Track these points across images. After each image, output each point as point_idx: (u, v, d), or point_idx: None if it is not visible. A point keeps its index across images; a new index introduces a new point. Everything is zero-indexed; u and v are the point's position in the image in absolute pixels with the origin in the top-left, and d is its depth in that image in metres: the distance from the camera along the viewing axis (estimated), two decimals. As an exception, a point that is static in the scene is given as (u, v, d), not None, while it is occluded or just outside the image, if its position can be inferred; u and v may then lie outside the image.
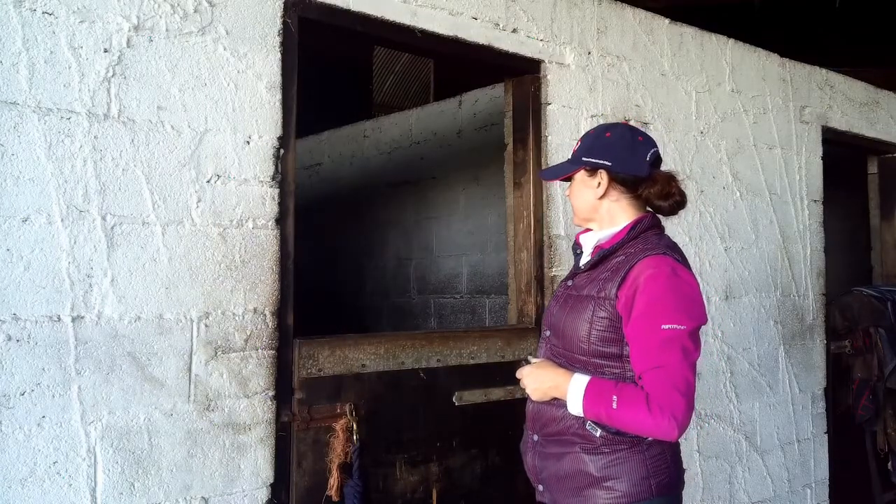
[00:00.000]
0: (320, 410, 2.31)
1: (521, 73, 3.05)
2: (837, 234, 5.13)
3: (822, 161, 4.31)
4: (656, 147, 2.13)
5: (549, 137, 3.01)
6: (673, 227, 3.41)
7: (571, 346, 2.03)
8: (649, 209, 2.13)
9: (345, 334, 2.45)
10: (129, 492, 1.97)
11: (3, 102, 1.84)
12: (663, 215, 2.14)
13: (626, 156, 2.09)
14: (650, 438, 1.95)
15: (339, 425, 2.32)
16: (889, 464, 4.34)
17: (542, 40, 3.02)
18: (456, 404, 2.60)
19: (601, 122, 3.20)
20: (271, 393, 2.22)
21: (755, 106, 3.93)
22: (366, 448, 2.35)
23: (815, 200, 4.25)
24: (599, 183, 2.09)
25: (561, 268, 3.00)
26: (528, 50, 2.97)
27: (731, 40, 3.85)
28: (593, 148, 2.12)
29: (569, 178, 2.20)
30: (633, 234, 2.05)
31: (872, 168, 5.06)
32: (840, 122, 4.46)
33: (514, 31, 2.93)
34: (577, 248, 2.23)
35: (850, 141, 4.61)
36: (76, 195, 1.93)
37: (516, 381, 2.38)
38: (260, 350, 2.21)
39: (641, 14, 3.43)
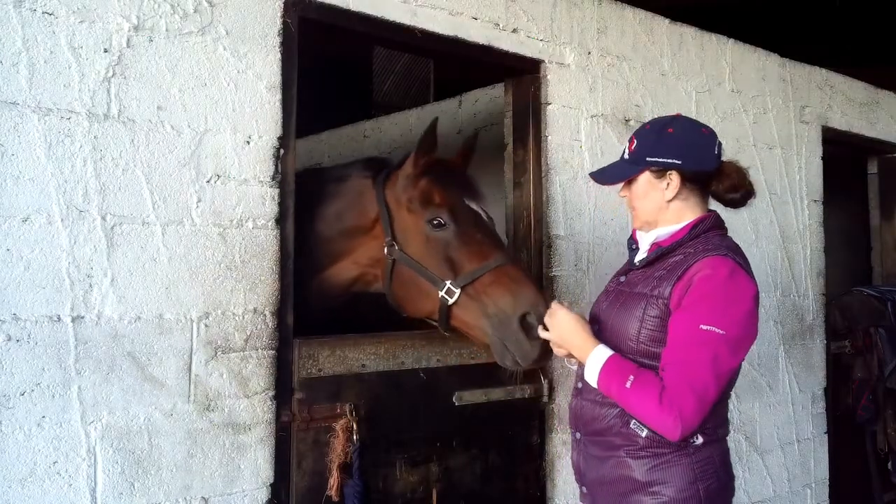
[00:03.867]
0: (320, 410, 2.30)
1: (521, 73, 3.05)
2: (837, 234, 5.12)
3: (822, 161, 4.31)
4: (718, 138, 2.02)
5: (549, 137, 3.01)
6: (673, 227, 3.41)
7: (619, 343, 1.97)
8: (710, 208, 2.04)
9: (345, 334, 2.45)
10: (129, 492, 1.97)
11: (3, 102, 1.84)
12: (733, 208, 2.05)
13: (695, 151, 1.96)
14: (699, 441, 1.89)
15: (339, 425, 2.31)
16: (889, 464, 4.35)
17: (542, 40, 3.02)
18: (456, 404, 2.60)
19: (601, 122, 3.20)
20: (271, 393, 2.22)
21: (755, 106, 3.93)
22: (366, 448, 2.35)
23: (815, 200, 4.25)
24: (669, 184, 1.97)
25: (561, 268, 3.00)
26: (528, 50, 2.97)
27: (731, 40, 3.85)
28: (657, 146, 1.97)
29: (628, 181, 2.06)
30: (694, 233, 1.96)
31: (872, 168, 5.06)
32: (840, 122, 4.46)
33: (514, 31, 2.93)
34: (632, 244, 2.14)
35: (850, 141, 4.61)
36: (76, 195, 1.93)
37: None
38: (260, 350, 2.21)
39: (641, 14, 3.43)
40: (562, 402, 2.94)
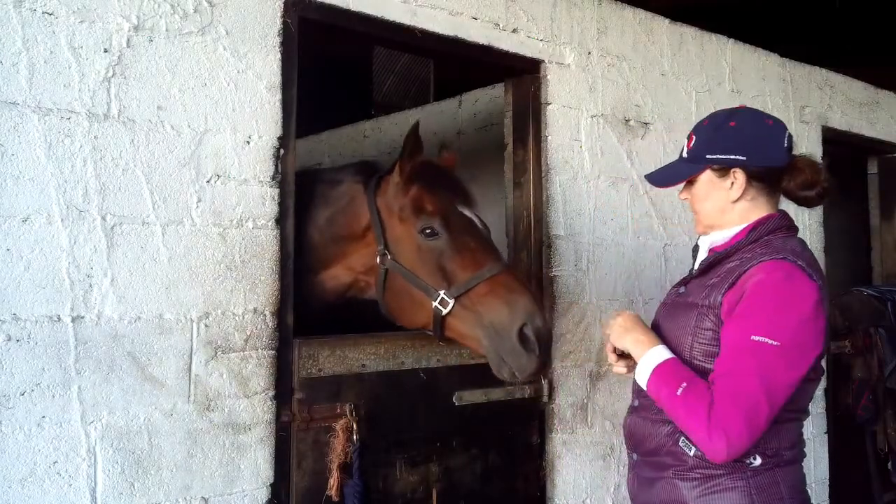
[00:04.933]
0: (320, 410, 2.30)
1: (521, 73, 3.05)
2: (837, 234, 5.13)
3: (822, 161, 4.30)
4: (787, 129, 1.83)
5: (549, 137, 3.01)
6: (673, 226, 3.41)
7: None
8: (777, 208, 1.87)
9: (345, 334, 2.45)
10: (129, 492, 1.97)
11: (3, 102, 1.84)
12: (807, 207, 1.87)
13: (760, 146, 1.78)
14: (757, 462, 1.72)
15: (339, 425, 2.31)
16: (889, 464, 4.34)
17: (542, 40, 3.02)
18: (456, 404, 2.60)
19: (601, 122, 3.19)
20: (271, 393, 2.22)
21: (755, 106, 3.92)
22: (366, 448, 2.35)
23: (815, 200, 4.24)
24: (733, 183, 1.79)
25: (561, 268, 3.00)
26: (528, 50, 2.97)
27: (731, 40, 3.85)
28: (717, 141, 1.80)
29: (690, 181, 1.88)
30: (753, 236, 1.79)
31: (872, 168, 5.06)
32: (840, 122, 4.46)
33: (514, 31, 2.93)
34: (696, 251, 1.99)
35: (850, 141, 4.61)
36: (76, 195, 1.93)
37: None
38: (260, 350, 2.21)
39: (641, 14, 3.43)
40: (562, 402, 2.94)
